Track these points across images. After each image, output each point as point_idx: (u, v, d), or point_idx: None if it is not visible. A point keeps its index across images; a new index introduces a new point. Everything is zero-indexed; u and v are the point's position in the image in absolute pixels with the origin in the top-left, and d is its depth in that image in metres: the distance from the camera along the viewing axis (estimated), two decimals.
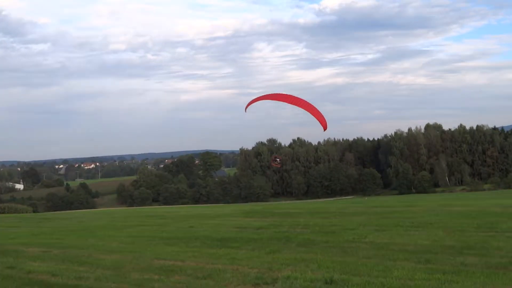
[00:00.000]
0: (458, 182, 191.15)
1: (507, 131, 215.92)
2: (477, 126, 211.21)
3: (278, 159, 33.04)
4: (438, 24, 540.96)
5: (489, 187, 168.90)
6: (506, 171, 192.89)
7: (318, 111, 26.90)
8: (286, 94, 26.92)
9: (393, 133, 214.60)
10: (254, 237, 26.10)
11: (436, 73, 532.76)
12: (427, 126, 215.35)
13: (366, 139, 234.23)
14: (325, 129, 27.13)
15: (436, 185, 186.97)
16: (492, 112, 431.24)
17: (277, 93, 27.65)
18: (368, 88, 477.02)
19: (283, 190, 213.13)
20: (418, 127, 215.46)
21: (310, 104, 26.90)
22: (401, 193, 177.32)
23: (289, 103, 26.45)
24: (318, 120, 26.57)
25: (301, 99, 26.91)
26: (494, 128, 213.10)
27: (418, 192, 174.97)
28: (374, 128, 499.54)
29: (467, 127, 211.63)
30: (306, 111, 26.51)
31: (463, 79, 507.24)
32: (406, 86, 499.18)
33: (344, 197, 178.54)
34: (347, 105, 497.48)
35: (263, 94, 27.04)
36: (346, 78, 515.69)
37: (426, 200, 73.16)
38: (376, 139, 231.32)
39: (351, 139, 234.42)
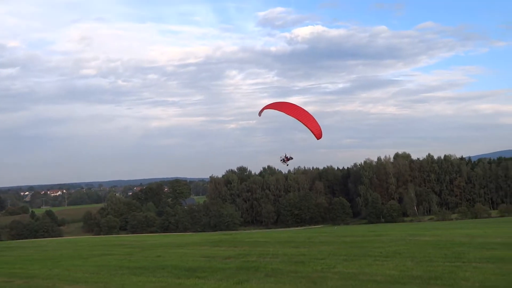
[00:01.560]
0: (427, 212, 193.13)
1: (474, 161, 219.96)
2: (445, 156, 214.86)
3: (287, 158, 32.95)
4: (407, 54, 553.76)
5: (456, 217, 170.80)
6: (473, 201, 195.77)
7: (314, 120, 27.66)
8: (290, 104, 27.98)
9: (362, 162, 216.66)
10: (222, 267, 25.76)
11: (405, 103, 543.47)
12: (396, 156, 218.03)
13: (336, 168, 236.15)
14: (318, 138, 27.83)
15: (405, 214, 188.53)
16: (459, 142, 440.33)
17: (283, 102, 28.72)
18: (339, 116, 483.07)
19: (253, 219, 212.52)
20: (387, 156, 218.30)
21: (308, 114, 27.71)
22: (370, 222, 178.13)
23: (289, 114, 27.48)
24: (310, 129, 27.28)
25: (300, 108, 27.81)
26: (461, 158, 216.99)
27: (387, 221, 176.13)
28: (344, 156, 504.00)
29: (435, 157, 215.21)
30: (300, 121, 27.37)
31: (431, 109, 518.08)
32: (376, 115, 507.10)
33: (313, 226, 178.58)
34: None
35: (270, 103, 28.19)
36: (317, 107, 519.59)
37: (394, 229, 73.43)
38: (346, 168, 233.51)
39: (321, 167, 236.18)
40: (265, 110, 29.09)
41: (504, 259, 23.36)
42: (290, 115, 28.13)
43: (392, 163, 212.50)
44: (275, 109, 28.84)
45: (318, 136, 28.14)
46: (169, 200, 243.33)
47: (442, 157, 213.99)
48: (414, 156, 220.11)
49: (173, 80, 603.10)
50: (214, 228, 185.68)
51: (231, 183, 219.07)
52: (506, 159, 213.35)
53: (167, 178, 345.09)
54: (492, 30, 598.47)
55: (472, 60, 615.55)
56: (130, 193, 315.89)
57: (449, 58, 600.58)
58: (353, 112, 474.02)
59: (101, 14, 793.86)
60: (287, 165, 33.08)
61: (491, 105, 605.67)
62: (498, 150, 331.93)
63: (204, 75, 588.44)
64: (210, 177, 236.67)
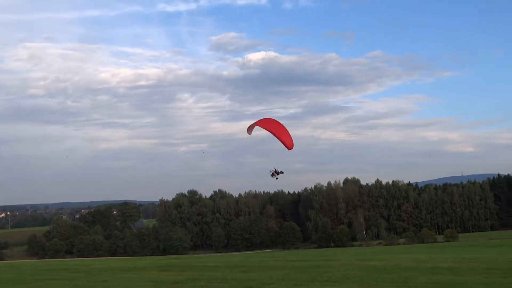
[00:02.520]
0: (375, 236, 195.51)
1: (421, 187, 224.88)
2: (393, 181, 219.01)
3: (277, 173, 32.93)
4: (357, 82, 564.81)
5: (404, 242, 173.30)
6: (419, 225, 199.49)
7: (287, 132, 28.74)
8: (270, 119, 28.88)
9: (313, 187, 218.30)
10: None
11: (354, 129, 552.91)
12: (346, 181, 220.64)
13: (287, 192, 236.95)
14: (289, 148, 28.68)
15: (354, 238, 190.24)
16: (406, 168, 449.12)
17: (265, 119, 29.57)
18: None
19: (203, 243, 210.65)
20: (337, 181, 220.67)
21: (283, 127, 28.78)
22: (320, 247, 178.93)
23: (267, 129, 28.56)
24: (281, 140, 28.31)
25: (278, 123, 28.94)
26: (409, 184, 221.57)
27: (337, 245, 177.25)
28: (295, 181, 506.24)
29: (384, 182, 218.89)
30: (275, 134, 28.38)
31: (379, 135, 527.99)
32: (326, 141, 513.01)
33: (264, 250, 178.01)
34: (268, 158, 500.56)
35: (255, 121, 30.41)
36: (267, 132, 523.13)
37: (344, 254, 73.99)
38: (296, 192, 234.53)
39: (272, 192, 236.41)
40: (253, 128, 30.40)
41: (449, 284, 23.73)
42: (268, 129, 29.33)
43: (341, 188, 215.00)
44: (259, 125, 29.98)
45: (289, 147, 29.36)
46: (118, 223, 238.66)
47: (390, 183, 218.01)
48: (363, 182, 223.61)
49: (124, 102, 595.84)
50: (163, 252, 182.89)
51: (181, 207, 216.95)
52: (451, 185, 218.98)
53: (116, 201, 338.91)
54: (437, 61, 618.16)
55: (419, 89, 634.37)
56: (78, 216, 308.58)
57: (396, 86, 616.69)
58: (304, 137, 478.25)
59: (51, 34, 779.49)
60: (277, 178, 33.20)
61: (437, 133, 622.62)
62: (443, 177, 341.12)
63: (156, 97, 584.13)
64: (160, 200, 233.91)
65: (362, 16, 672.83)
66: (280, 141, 29.51)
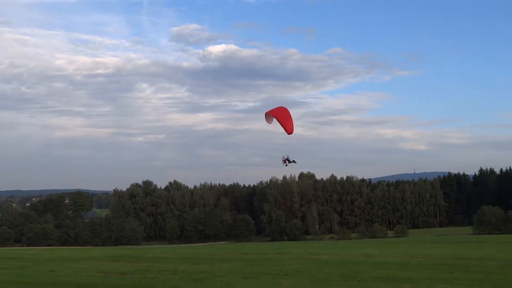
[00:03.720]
0: (328, 231, 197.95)
1: (374, 183, 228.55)
2: (347, 177, 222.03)
3: (288, 161, 32.72)
4: (316, 78, 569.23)
5: (355, 236, 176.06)
6: (371, 221, 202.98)
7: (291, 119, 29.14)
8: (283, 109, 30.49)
9: (268, 181, 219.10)
10: (118, 283, 24.88)
11: (311, 124, 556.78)
12: (301, 175, 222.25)
13: (242, 185, 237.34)
14: (289, 133, 29.21)
15: (307, 232, 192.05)
16: (361, 165, 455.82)
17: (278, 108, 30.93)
18: (248, 135, 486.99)
19: (156, 234, 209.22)
20: (293, 175, 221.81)
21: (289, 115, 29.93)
22: (273, 240, 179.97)
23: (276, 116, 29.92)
24: (283, 126, 28.85)
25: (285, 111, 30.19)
26: (362, 180, 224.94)
27: (290, 239, 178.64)
28: (251, 174, 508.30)
29: (338, 178, 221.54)
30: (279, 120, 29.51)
31: (336, 131, 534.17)
32: (283, 135, 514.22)
33: (217, 243, 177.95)
34: (226, 151, 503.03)
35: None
36: (227, 124, 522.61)
37: (296, 247, 74.55)
38: (252, 185, 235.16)
39: (227, 184, 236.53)
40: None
41: (397, 279, 24.11)
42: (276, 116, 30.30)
43: (297, 182, 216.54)
44: (272, 114, 30.75)
45: (289, 131, 30.27)
46: (70, 212, 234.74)
47: (345, 178, 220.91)
48: (318, 176, 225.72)
49: (81, 90, 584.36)
50: (116, 242, 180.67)
51: (136, 197, 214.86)
52: (403, 182, 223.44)
53: (68, 189, 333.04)
54: (395, 60, 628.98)
55: (376, 87, 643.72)
56: (28, 204, 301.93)
57: (354, 83, 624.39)
58: (262, 131, 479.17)
59: (7, 18, 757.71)
60: (286, 165, 33.16)
61: (392, 131, 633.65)
62: (396, 174, 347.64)
63: (113, 86, 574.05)
64: (114, 190, 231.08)
65: (323, 13, 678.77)
66: (283, 126, 30.21)
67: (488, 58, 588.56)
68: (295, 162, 32.84)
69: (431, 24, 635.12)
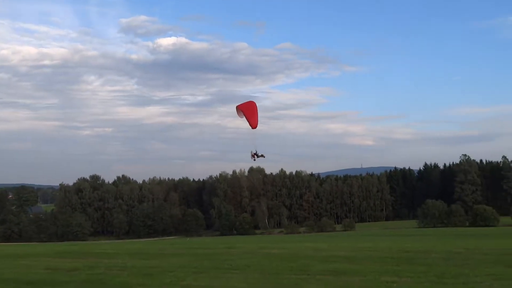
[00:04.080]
0: (277, 225, 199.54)
1: (323, 178, 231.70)
2: (296, 171, 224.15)
3: (256, 155, 32.37)
4: (266, 72, 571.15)
5: (304, 230, 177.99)
6: (320, 215, 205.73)
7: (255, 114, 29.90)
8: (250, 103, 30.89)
9: (218, 175, 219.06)
10: (65, 280, 24.40)
11: (261, 118, 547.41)
12: (251, 170, 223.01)
13: (192, 180, 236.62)
14: (253, 127, 29.32)
15: (256, 227, 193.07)
16: (310, 159, 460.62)
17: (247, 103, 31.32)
18: (197, 129, 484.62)
19: (104, 229, 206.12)
20: (242, 170, 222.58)
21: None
22: (223, 234, 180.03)
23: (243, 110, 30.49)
24: (248, 120, 29.68)
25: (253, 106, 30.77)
26: (311, 174, 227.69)
27: (239, 233, 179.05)
28: (201, 168, 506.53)
29: (287, 172, 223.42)
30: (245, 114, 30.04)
31: (285, 126, 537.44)
32: (233, 130, 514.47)
33: (166, 238, 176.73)
34: (175, 145, 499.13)
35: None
36: (176, 118, 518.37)
37: (246, 242, 74.78)
38: (201, 179, 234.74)
39: (177, 178, 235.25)
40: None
41: (345, 272, 24.50)
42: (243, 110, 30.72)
43: (246, 176, 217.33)
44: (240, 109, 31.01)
45: (254, 126, 30.56)
46: (13, 207, 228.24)
47: (294, 173, 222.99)
48: (267, 171, 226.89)
49: (26, 81, 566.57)
50: (62, 238, 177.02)
51: (83, 192, 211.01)
52: (351, 177, 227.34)
53: (12, 184, 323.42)
54: (344, 56, 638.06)
55: (326, 82, 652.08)
56: None
57: (304, 78, 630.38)
58: (212, 125, 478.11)
59: None
60: (254, 160, 32.98)
61: (341, 125, 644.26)
62: (344, 168, 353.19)
63: (60, 78, 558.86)
64: (60, 184, 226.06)
65: (274, 7, 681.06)
66: (248, 120, 30.36)
67: (433, 55, 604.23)
68: (264, 157, 32.97)
69: (378, 21, 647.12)
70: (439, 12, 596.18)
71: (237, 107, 31.48)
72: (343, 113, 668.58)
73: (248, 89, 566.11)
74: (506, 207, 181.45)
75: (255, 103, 31.64)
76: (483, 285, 18.89)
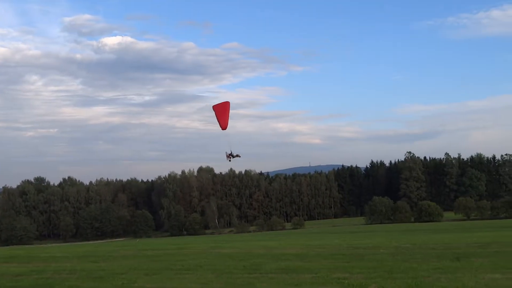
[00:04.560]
0: (227, 224, 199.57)
1: (272, 177, 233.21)
2: (246, 171, 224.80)
3: (232, 156, 31.97)
4: (213, 72, 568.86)
5: (254, 229, 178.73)
6: (269, 214, 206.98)
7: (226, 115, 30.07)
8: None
9: (167, 175, 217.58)
10: (11, 286, 23.71)
11: (209, 118, 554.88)
12: (200, 169, 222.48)
13: (140, 180, 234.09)
14: (222, 128, 29.22)
15: (206, 227, 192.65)
16: (259, 158, 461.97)
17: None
18: (144, 129, 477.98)
19: (50, 232, 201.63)
20: (191, 170, 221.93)
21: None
22: (172, 235, 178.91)
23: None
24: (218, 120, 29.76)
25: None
26: (261, 174, 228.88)
27: (189, 234, 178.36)
28: (149, 169, 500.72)
29: (237, 172, 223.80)
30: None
31: (234, 125, 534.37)
32: (181, 129, 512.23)
33: (115, 239, 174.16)
34: (122, 145, 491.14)
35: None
36: (122, 118, 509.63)
37: (196, 242, 74.53)
38: (150, 180, 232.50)
39: (125, 179, 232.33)
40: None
41: (297, 269, 24.73)
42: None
43: (195, 176, 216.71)
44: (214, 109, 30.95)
45: (223, 127, 30.72)
46: None
47: (243, 172, 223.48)
48: (217, 171, 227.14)
49: None
50: (6, 242, 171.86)
51: (27, 194, 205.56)
52: (299, 175, 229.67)
53: None
54: (291, 56, 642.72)
55: (273, 81, 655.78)
56: None
57: (251, 78, 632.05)
58: (159, 125, 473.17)
59: None
60: (230, 160, 32.55)
61: (288, 125, 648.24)
62: (293, 167, 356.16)
63: (0, 78, 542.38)
64: (3, 187, 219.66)
65: (220, 7, 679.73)
66: (218, 120, 30.33)
67: (376, 56, 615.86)
68: (239, 156, 32.89)
69: (324, 22, 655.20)
70: (381, 14, 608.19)
71: (212, 107, 31.42)
72: (290, 112, 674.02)
73: (195, 89, 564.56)
74: (449, 203, 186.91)
75: (228, 103, 31.69)
76: (431, 279, 19.40)
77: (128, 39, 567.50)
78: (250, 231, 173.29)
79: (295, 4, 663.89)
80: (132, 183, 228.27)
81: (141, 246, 63.68)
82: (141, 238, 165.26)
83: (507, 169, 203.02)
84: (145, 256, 38.98)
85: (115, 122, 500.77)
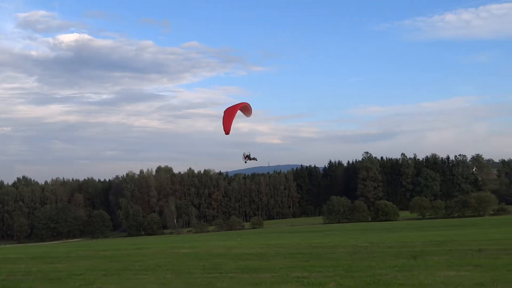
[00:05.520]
0: (186, 224, 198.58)
1: (231, 176, 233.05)
2: (205, 170, 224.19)
3: (249, 158, 31.13)
4: (172, 71, 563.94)
5: (213, 229, 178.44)
6: (228, 213, 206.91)
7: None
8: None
9: (125, 175, 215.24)
10: None
11: (168, 117, 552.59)
12: (159, 169, 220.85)
13: (98, 180, 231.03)
14: (226, 133, 29.96)
15: (165, 227, 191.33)
16: (218, 158, 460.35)
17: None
18: (102, 128, 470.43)
19: (3, 233, 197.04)
20: (150, 169, 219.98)
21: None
22: (130, 235, 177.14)
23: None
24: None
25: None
26: (220, 173, 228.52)
27: (147, 234, 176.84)
28: (106, 168, 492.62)
29: (196, 171, 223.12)
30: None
31: (193, 125, 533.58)
32: (139, 128, 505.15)
33: (71, 240, 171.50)
34: (78, 144, 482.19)
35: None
36: (79, 117, 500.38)
37: (155, 242, 73.99)
38: (107, 180, 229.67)
39: (81, 179, 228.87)
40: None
41: (257, 269, 24.81)
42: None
43: (154, 176, 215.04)
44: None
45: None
46: None
47: (202, 172, 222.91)
48: (176, 170, 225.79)
49: None
50: None
51: None
52: (259, 175, 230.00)
53: None
54: (250, 56, 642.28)
55: (232, 81, 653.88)
56: None
57: (211, 77, 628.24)
58: (117, 124, 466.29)
59: None
60: (246, 162, 31.79)
61: (248, 124, 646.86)
62: (252, 167, 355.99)
63: None
64: None
65: (179, 5, 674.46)
66: (223, 124, 29.90)
67: (335, 58, 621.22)
68: (256, 160, 32.51)
69: (284, 22, 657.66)
70: (339, 16, 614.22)
71: (238, 108, 31.03)
72: None
73: (154, 88, 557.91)
74: (405, 202, 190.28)
75: (241, 105, 31.31)
76: (388, 277, 19.75)
77: (85, 36, 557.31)
78: (209, 231, 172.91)
79: (255, 4, 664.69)
80: (89, 182, 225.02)
81: (98, 246, 62.92)
82: (98, 239, 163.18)
83: (460, 170, 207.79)
84: (103, 256, 38.52)
85: (72, 121, 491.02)
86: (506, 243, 33.55)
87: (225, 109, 31.17)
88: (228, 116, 30.52)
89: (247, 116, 31.84)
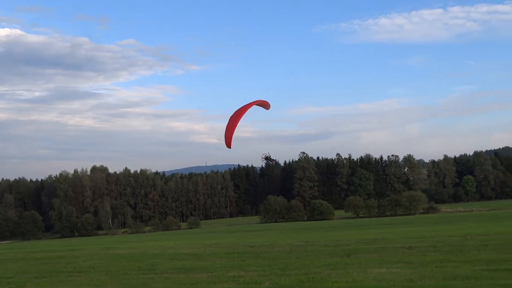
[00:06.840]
0: (121, 225, 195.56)
1: (168, 176, 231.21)
2: (141, 170, 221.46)
3: (268, 159, 29.63)
4: (109, 69, 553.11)
5: (149, 229, 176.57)
6: (165, 213, 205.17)
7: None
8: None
9: (58, 174, 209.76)
10: None
11: (104, 116, 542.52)
12: (94, 169, 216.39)
13: (29, 180, 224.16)
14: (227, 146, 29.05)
15: (100, 227, 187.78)
16: (155, 157, 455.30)
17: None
18: (34, 126, 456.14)
19: None
20: (84, 169, 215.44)
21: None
22: (64, 237, 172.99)
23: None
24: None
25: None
26: (156, 173, 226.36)
27: (81, 235, 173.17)
28: (39, 168, 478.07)
29: (132, 171, 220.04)
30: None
31: (130, 124, 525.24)
32: (73, 127, 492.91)
33: (1, 242, 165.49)
34: (9, 143, 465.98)
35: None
36: (10, 114, 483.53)
37: (89, 243, 72.48)
38: (40, 180, 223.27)
39: (12, 179, 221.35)
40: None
41: (193, 269, 24.78)
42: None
43: (89, 176, 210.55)
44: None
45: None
46: None
47: (139, 171, 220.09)
48: (111, 170, 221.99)
49: None
50: None
51: None
52: (196, 175, 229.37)
53: None
54: (187, 54, 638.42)
55: (169, 80, 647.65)
56: None
57: (148, 76, 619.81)
58: (50, 122, 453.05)
59: None
60: (265, 163, 30.58)
61: (185, 124, 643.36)
62: (189, 166, 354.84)
63: None
64: None
65: (116, 2, 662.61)
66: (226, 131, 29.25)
67: (272, 58, 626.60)
68: (275, 161, 31.74)
69: (223, 22, 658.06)
70: (277, 17, 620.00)
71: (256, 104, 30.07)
72: (187, 111, 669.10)
73: (89, 86, 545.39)
74: (340, 201, 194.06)
75: (250, 105, 30.28)
76: (322, 275, 20.13)
77: (17, 31, 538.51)
78: (145, 232, 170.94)
79: (192, 3, 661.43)
80: (20, 182, 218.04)
81: (29, 248, 61.15)
82: (30, 240, 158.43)
83: (393, 169, 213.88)
84: (34, 258, 37.50)
85: (2, 119, 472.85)
86: (435, 240, 34.78)
87: (230, 113, 30.20)
88: (233, 123, 29.57)
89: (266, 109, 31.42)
